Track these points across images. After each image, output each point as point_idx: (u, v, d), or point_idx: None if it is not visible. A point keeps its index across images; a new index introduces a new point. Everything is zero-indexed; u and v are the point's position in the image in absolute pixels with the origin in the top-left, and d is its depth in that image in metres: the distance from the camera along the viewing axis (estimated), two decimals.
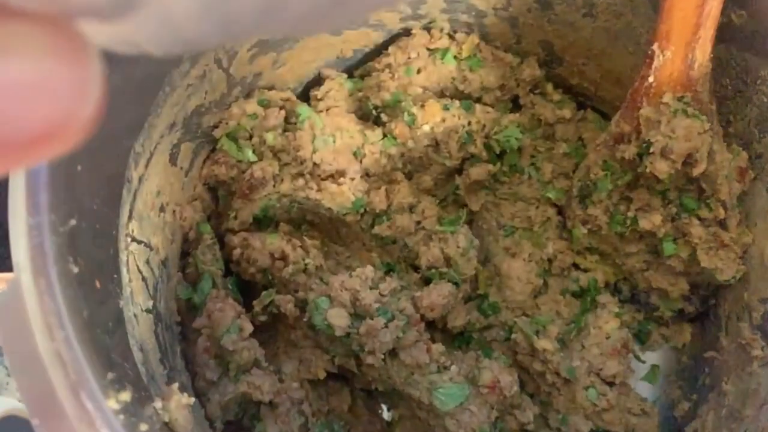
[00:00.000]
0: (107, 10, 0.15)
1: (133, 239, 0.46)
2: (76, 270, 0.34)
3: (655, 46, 0.51)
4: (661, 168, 0.52)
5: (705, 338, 0.60)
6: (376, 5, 0.20)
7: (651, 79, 0.52)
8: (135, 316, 0.43)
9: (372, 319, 0.52)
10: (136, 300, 0.44)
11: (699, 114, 0.51)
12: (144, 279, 0.47)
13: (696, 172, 0.52)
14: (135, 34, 0.16)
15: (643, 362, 0.61)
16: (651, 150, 0.53)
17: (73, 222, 0.35)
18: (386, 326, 0.52)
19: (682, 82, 0.51)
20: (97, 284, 0.37)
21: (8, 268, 0.42)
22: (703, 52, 0.50)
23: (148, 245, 0.49)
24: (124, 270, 0.43)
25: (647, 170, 0.53)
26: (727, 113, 0.55)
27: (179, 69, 0.49)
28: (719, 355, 0.57)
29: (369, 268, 0.55)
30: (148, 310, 0.47)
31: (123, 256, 0.44)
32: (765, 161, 0.53)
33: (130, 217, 0.46)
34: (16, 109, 0.14)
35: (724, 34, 0.51)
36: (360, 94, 0.66)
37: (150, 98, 0.47)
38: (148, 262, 0.49)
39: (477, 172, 0.64)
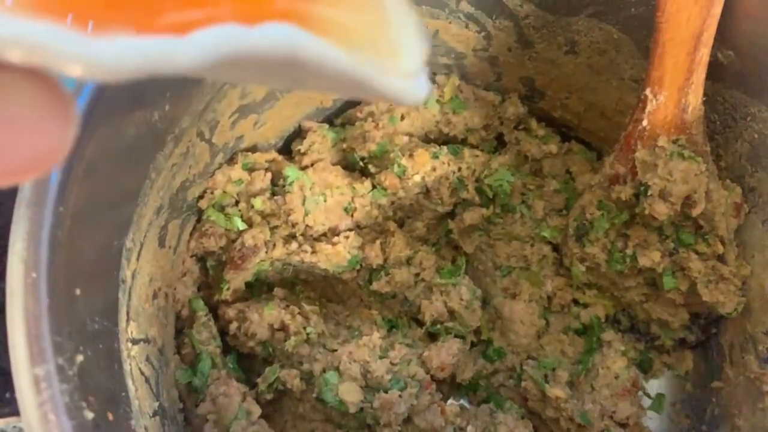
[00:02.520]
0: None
1: (134, 342, 0.44)
2: (91, 416, 0.31)
3: (647, 91, 0.51)
4: (661, 210, 0.52)
5: (708, 366, 0.61)
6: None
7: (645, 122, 0.52)
8: (146, 429, 0.41)
9: (386, 392, 0.50)
10: (143, 409, 0.42)
11: (695, 156, 0.51)
12: (147, 380, 0.45)
13: (695, 212, 0.52)
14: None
15: (651, 399, 0.61)
16: (649, 193, 0.52)
17: (80, 358, 0.33)
18: (400, 396, 0.51)
19: (677, 125, 0.51)
20: (110, 417, 0.35)
21: (11, 411, 0.39)
22: (695, 96, 0.50)
23: (146, 340, 0.47)
24: (129, 382, 0.41)
25: (646, 212, 0.53)
26: (716, 147, 0.56)
27: (163, 152, 0.47)
28: (726, 385, 0.57)
29: (375, 336, 0.54)
30: (154, 413, 0.44)
31: (126, 367, 0.41)
32: (758, 195, 0.54)
33: (128, 320, 0.43)
34: (10, 141, 0.17)
35: (711, 72, 0.51)
36: (344, 144, 0.64)
37: (136, 192, 0.44)
38: (147, 358, 0.46)
39: (471, 216, 0.63)
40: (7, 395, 0.40)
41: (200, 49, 0.17)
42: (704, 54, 0.48)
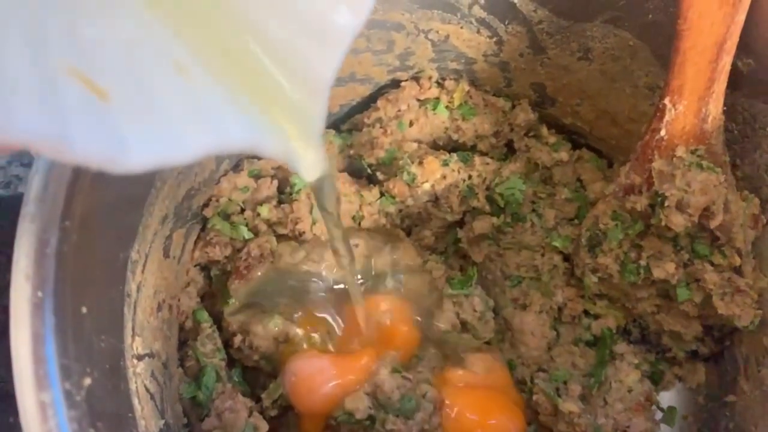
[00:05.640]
0: None
1: (139, 357, 0.42)
2: None
3: (666, 100, 0.50)
4: (677, 221, 0.51)
5: (721, 379, 0.60)
6: None
7: (663, 132, 0.51)
8: None
9: (396, 412, 0.49)
10: (150, 429, 0.40)
11: (713, 167, 0.50)
12: (152, 397, 0.43)
13: (713, 224, 0.51)
14: None
15: (663, 411, 0.60)
16: (666, 203, 0.51)
17: (88, 382, 0.31)
18: (413, 418, 0.49)
19: (696, 135, 0.50)
20: None
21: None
22: (716, 106, 0.49)
23: (151, 355, 0.45)
24: (135, 402, 0.39)
25: (662, 223, 0.52)
26: (734, 157, 0.54)
27: None
28: (740, 399, 0.56)
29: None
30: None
31: (132, 385, 0.39)
32: None
33: (133, 335, 0.41)
34: None
35: (731, 81, 0.50)
36: (351, 150, 0.63)
37: (141, 202, 0.42)
38: (152, 374, 0.45)
39: (481, 225, 0.61)
40: (11, 420, 0.39)
41: None
42: (726, 62, 0.47)
